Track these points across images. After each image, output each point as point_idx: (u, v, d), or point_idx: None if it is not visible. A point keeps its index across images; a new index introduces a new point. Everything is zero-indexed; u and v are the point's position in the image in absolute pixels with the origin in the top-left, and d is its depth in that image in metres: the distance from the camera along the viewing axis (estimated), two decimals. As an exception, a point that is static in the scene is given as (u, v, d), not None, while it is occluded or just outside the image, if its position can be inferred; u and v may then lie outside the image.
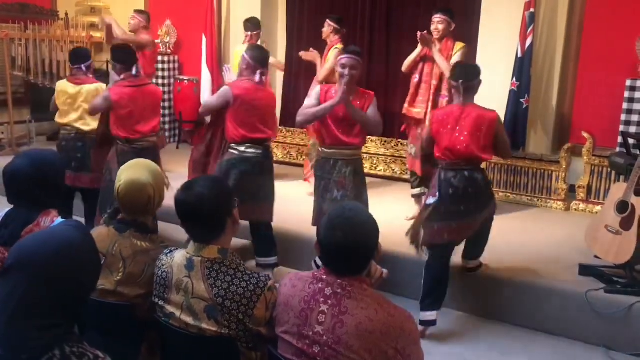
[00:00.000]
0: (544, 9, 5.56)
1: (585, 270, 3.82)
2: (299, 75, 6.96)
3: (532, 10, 5.29)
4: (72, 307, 1.37)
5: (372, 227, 1.85)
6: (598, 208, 5.03)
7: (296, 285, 1.86)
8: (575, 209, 5.32)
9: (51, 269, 1.33)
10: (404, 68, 4.91)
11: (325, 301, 1.77)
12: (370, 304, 1.75)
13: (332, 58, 5.40)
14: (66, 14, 7.86)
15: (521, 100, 5.33)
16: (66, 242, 1.38)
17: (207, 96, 7.14)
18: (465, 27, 5.97)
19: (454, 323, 3.79)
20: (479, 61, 5.73)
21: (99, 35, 7.77)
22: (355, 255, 1.80)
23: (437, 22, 4.73)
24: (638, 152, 4.04)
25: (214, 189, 2.04)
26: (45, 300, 1.32)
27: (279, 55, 7.08)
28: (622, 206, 3.60)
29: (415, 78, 4.83)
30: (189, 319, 1.96)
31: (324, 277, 1.81)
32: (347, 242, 1.77)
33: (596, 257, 3.79)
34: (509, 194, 5.52)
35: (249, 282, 1.93)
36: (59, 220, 2.27)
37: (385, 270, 2.01)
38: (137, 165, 2.37)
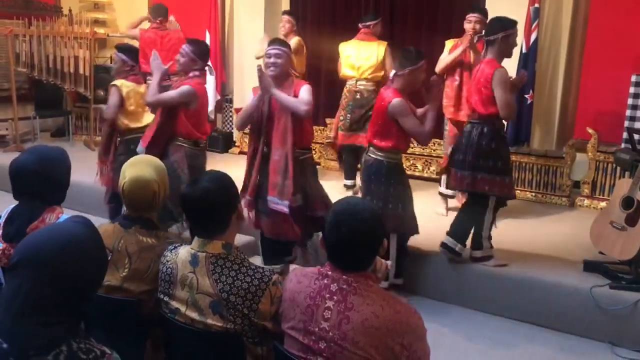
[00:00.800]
0: (548, 3, 5.53)
1: (590, 266, 3.81)
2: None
3: (536, 5, 5.28)
4: (78, 304, 1.37)
5: (377, 223, 1.83)
6: (603, 204, 5.02)
7: (302, 281, 1.85)
8: (580, 205, 5.32)
9: (56, 265, 1.33)
10: (438, 69, 4.82)
11: (331, 297, 1.76)
12: (376, 300, 1.74)
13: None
14: (70, 10, 7.85)
15: (525, 95, 5.31)
16: (72, 238, 1.37)
17: (212, 91, 7.12)
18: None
19: (458, 319, 3.79)
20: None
21: (102, 31, 7.78)
22: (361, 251, 1.80)
23: (475, 22, 4.66)
24: (643, 148, 4.02)
25: (219, 183, 2.05)
26: (50, 296, 1.31)
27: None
28: (628, 202, 3.59)
29: (456, 81, 4.77)
30: (194, 315, 1.96)
31: (330, 273, 1.81)
32: (352, 238, 1.76)
33: (601, 253, 3.79)
34: (513, 190, 5.52)
35: (253, 277, 1.93)
36: (65, 216, 2.27)
37: (388, 262, 2.01)
38: (140, 161, 2.37)
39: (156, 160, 2.40)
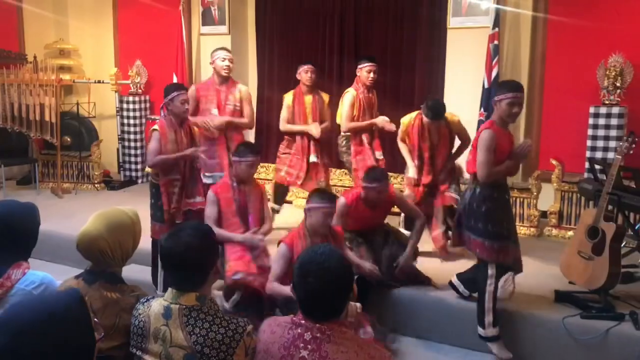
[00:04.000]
0: (507, 41, 5.72)
1: (561, 296, 3.86)
2: (271, 111, 7.03)
3: (496, 42, 5.45)
4: None
5: (344, 270, 1.83)
6: (570, 233, 5.12)
7: (275, 331, 1.84)
8: (548, 235, 5.41)
9: (25, 336, 1.34)
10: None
11: (305, 346, 1.75)
12: (350, 347, 1.74)
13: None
14: (35, 57, 7.81)
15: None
16: (45, 315, 1.38)
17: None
18: (434, 60, 6.12)
19: (430, 352, 3.78)
20: (447, 94, 5.86)
21: (68, 77, 7.74)
22: (330, 300, 1.79)
23: (373, 71, 4.86)
24: (605, 178, 4.13)
25: (201, 238, 2.02)
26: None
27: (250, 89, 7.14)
28: (593, 232, 3.67)
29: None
30: (167, 369, 1.93)
31: (303, 322, 1.80)
32: (320, 288, 1.76)
33: (571, 282, 3.84)
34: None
35: (227, 328, 1.92)
36: (31, 271, 2.23)
37: (358, 304, 2.01)
38: (99, 216, 2.26)
39: (117, 216, 2.27)
